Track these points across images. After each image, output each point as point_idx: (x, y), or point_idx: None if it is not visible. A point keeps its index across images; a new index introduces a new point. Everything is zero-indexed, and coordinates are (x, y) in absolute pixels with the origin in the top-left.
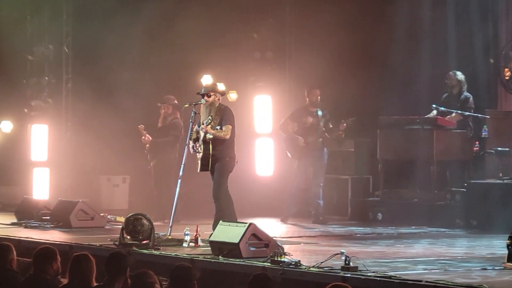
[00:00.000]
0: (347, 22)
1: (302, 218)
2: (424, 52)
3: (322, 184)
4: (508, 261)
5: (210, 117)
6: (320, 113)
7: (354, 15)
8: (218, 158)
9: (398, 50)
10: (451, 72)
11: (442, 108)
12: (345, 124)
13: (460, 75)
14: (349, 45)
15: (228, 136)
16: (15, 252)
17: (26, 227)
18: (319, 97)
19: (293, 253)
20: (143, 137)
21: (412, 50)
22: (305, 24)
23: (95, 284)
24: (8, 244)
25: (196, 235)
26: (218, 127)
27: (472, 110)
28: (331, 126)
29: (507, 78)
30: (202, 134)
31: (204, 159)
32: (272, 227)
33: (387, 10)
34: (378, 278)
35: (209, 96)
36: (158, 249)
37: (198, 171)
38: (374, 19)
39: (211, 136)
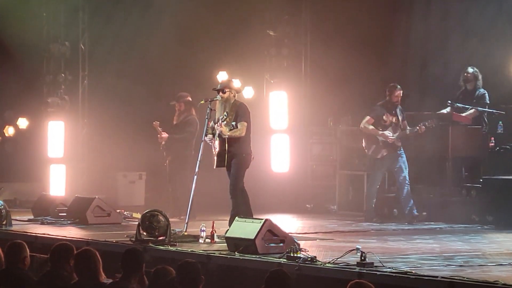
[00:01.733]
0: (363, 17)
1: (317, 214)
2: (439, 47)
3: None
4: None
5: (225, 113)
6: (399, 112)
7: (370, 10)
8: (234, 154)
9: (416, 45)
10: (466, 68)
11: (458, 104)
12: (423, 127)
13: (474, 71)
14: (365, 40)
15: (243, 134)
16: (28, 251)
17: (42, 223)
18: (400, 98)
19: (309, 249)
20: (159, 135)
21: (429, 45)
22: (320, 20)
23: (103, 275)
24: (21, 242)
25: (212, 231)
26: (233, 123)
27: (487, 106)
28: (408, 127)
29: None
30: (217, 131)
31: (220, 155)
32: (288, 223)
33: (404, 4)
34: (394, 274)
35: (224, 92)
36: (174, 245)
37: (214, 167)
38: (391, 12)
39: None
